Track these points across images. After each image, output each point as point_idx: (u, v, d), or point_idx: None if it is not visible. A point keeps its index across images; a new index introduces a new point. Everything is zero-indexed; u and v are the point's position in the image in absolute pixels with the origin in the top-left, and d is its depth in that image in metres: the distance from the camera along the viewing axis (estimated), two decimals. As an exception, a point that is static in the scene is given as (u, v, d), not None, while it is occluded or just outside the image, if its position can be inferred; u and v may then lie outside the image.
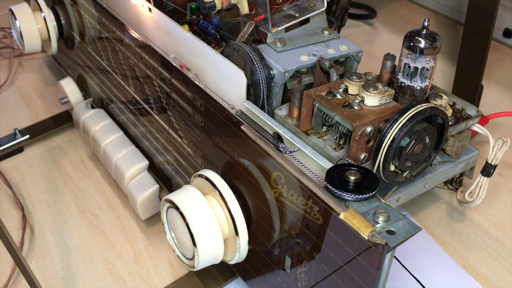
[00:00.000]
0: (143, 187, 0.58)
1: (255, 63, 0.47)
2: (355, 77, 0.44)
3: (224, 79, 0.47)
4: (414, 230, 0.34)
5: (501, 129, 0.75)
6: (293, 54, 0.50)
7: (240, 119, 0.43)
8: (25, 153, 0.73)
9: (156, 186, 0.59)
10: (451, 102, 0.50)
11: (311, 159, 0.42)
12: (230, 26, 0.58)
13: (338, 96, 0.44)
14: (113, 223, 0.62)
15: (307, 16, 0.51)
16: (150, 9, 0.55)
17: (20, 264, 0.49)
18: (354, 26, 1.02)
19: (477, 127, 0.50)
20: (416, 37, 0.44)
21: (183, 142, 0.52)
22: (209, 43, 0.58)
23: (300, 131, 0.46)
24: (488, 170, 0.51)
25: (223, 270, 0.54)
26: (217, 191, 0.43)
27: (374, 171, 0.42)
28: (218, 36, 0.61)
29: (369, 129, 0.42)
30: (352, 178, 0.37)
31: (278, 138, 0.45)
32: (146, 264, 0.57)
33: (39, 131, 0.75)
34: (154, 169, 0.62)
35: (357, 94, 0.44)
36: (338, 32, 0.71)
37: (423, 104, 0.41)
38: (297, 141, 0.43)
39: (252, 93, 0.48)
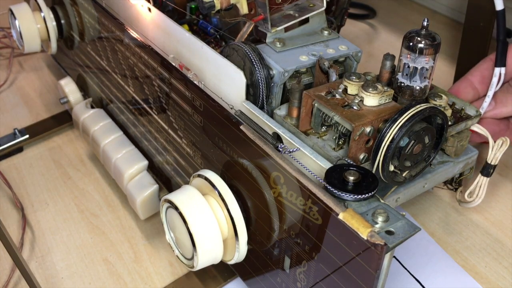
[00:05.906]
0: (143, 187, 0.58)
1: (254, 63, 0.47)
2: (354, 77, 0.44)
3: (223, 79, 0.47)
4: (413, 230, 0.34)
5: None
6: (293, 54, 0.49)
7: (239, 119, 0.43)
8: (25, 153, 0.73)
9: (156, 186, 0.59)
10: (451, 102, 0.50)
11: (310, 159, 0.42)
12: (229, 26, 0.58)
13: (338, 96, 0.44)
14: (113, 223, 0.62)
15: (306, 16, 0.51)
16: (149, 9, 0.55)
17: (20, 264, 0.49)
18: (354, 26, 1.02)
19: (476, 127, 0.50)
20: (416, 37, 0.44)
21: (183, 142, 0.52)
22: (208, 43, 0.58)
23: (300, 131, 0.46)
24: (487, 170, 0.51)
25: (222, 270, 0.54)
26: (216, 191, 0.43)
27: (373, 171, 0.42)
28: (217, 36, 0.61)
29: (368, 129, 0.42)
30: (351, 178, 0.37)
31: (278, 138, 0.45)
32: (146, 264, 0.57)
33: (38, 131, 0.75)
34: (153, 169, 0.62)
35: (356, 94, 0.44)
36: (338, 32, 0.70)
37: (422, 104, 0.41)
38: (296, 141, 0.43)
39: (252, 93, 0.48)
